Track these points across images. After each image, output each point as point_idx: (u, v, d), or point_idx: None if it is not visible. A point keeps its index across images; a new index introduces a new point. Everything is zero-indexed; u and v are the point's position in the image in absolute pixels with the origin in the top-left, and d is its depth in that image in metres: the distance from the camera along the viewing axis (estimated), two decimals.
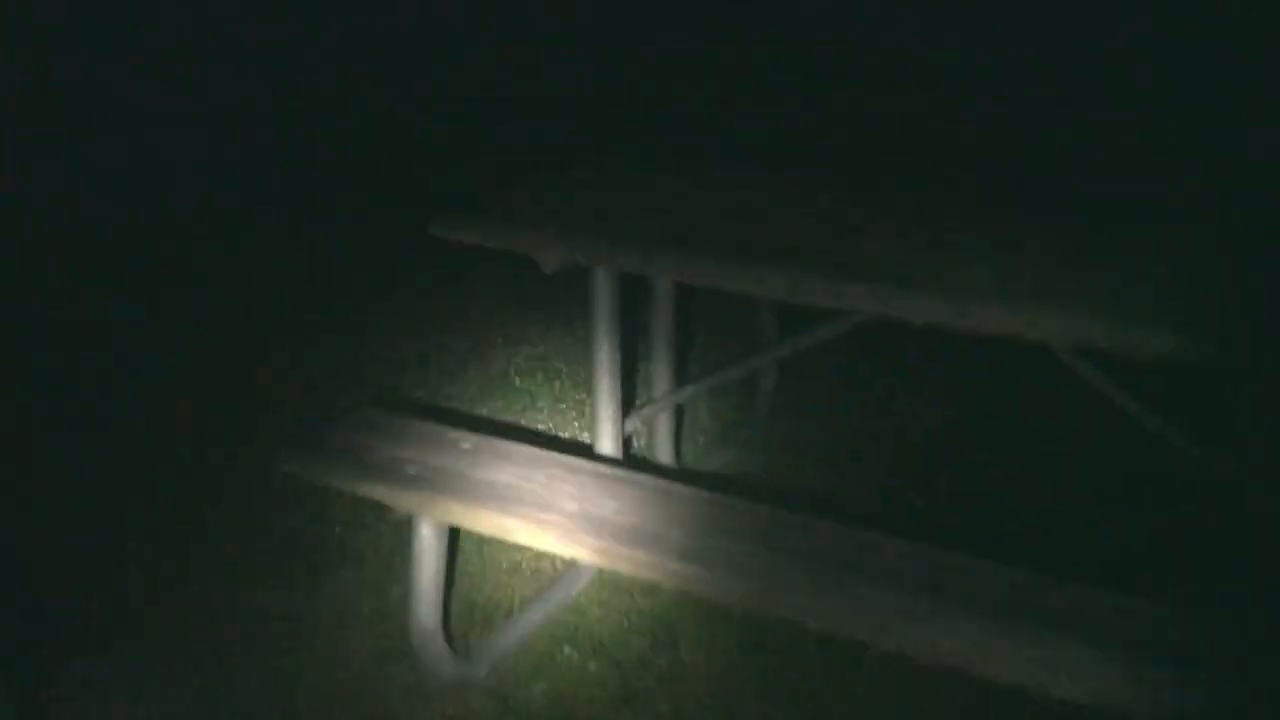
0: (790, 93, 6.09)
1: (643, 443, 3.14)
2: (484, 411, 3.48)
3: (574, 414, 3.45)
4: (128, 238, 4.96)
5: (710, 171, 2.96)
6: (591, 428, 2.93)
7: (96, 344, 4.05)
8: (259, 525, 2.99)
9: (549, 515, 2.26)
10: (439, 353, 3.82)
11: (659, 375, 3.05)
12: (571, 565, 2.72)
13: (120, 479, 3.23)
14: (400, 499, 2.41)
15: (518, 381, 3.64)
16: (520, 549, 2.72)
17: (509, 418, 3.44)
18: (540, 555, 2.78)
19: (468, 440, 2.52)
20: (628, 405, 3.00)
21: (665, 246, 2.43)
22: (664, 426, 3.12)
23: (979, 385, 3.49)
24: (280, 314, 4.22)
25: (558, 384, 3.61)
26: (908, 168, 4.87)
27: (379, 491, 2.42)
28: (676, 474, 2.96)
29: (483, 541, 2.79)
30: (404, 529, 2.48)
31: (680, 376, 3.17)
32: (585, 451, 2.85)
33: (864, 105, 5.76)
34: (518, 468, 2.42)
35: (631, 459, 3.04)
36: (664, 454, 3.13)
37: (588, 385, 3.18)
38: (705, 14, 6.68)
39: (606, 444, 2.87)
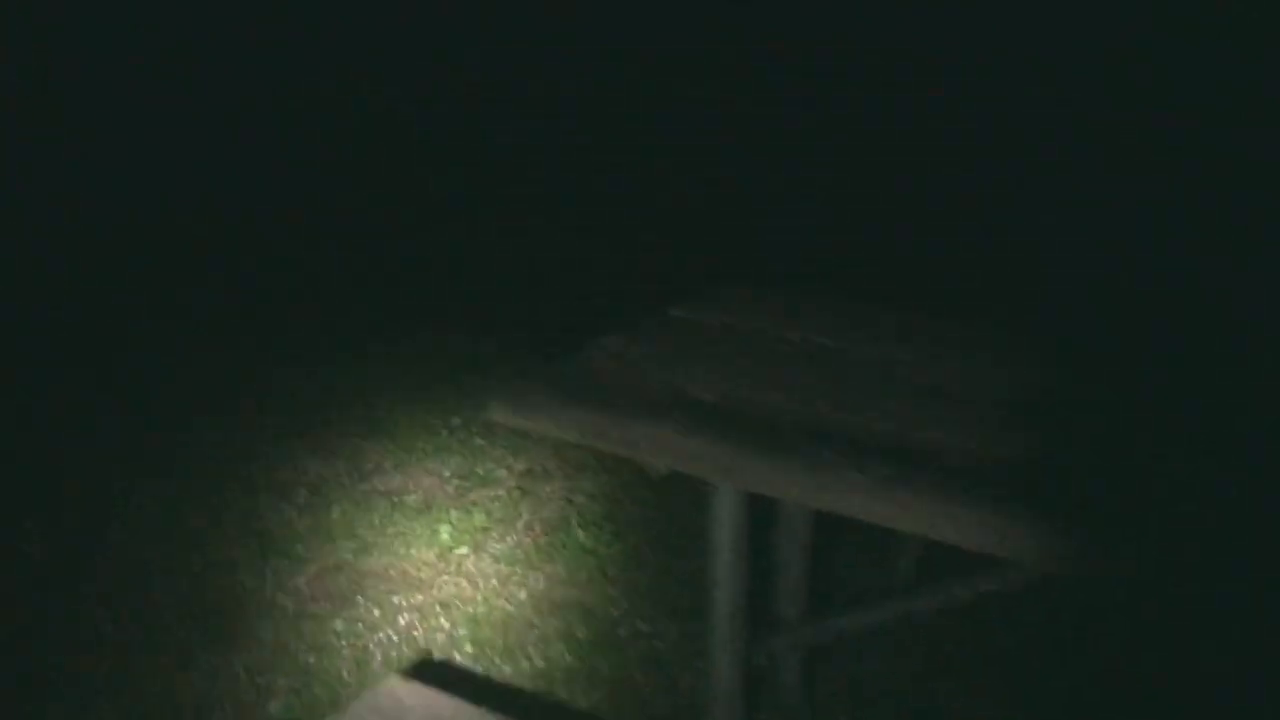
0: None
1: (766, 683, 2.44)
2: (541, 580, 2.79)
3: (655, 592, 2.73)
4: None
5: (840, 307, 2.23)
6: (707, 689, 2.13)
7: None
8: None
9: None
10: (482, 487, 3.20)
11: (788, 599, 2.31)
12: None
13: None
14: None
15: (581, 535, 2.99)
16: None
17: (574, 591, 2.77)
18: None
19: None
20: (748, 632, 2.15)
21: (822, 463, 1.68)
22: (793, 668, 2.36)
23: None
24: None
25: (630, 542, 2.98)
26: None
27: None
28: None
29: None
30: None
31: (814, 596, 2.38)
32: None
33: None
34: None
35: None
36: (794, 705, 2.39)
37: (664, 543, 2.86)
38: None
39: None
